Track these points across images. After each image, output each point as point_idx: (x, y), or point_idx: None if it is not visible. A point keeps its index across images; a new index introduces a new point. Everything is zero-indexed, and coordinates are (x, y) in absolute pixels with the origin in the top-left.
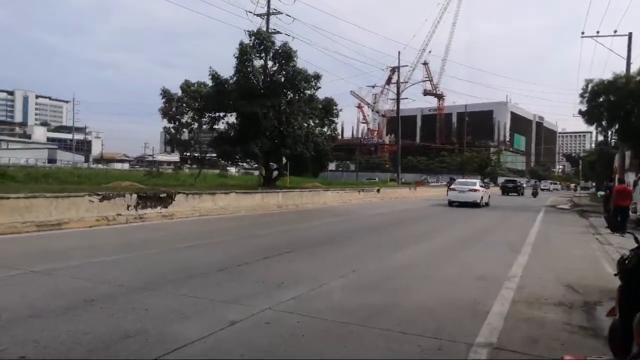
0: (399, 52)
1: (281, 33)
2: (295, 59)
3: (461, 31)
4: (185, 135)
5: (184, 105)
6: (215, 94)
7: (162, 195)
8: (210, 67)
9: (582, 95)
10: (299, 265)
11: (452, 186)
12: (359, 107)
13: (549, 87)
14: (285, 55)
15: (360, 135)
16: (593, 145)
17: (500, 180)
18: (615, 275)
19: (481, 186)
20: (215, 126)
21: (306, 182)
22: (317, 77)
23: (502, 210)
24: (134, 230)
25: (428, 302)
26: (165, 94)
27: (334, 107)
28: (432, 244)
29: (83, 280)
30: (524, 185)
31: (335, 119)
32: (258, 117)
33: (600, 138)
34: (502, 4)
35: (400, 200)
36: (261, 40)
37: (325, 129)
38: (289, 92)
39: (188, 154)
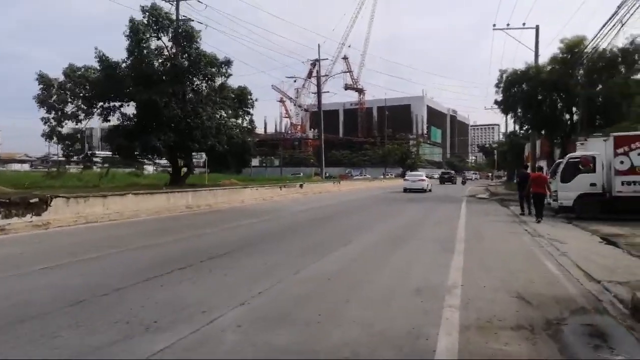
0: (319, 45)
1: (193, 20)
2: (198, 39)
3: (380, 27)
4: (73, 128)
5: (68, 92)
6: (104, 80)
7: (33, 201)
8: (97, 48)
9: (497, 86)
10: (189, 290)
11: (405, 177)
12: (281, 101)
13: (464, 82)
14: (187, 35)
15: (283, 130)
16: (502, 136)
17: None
18: None
19: (426, 177)
20: (110, 117)
21: (228, 179)
22: (228, 62)
23: (429, 201)
24: None
25: (353, 341)
26: (42, 79)
27: (249, 97)
28: (359, 244)
29: None
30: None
31: (251, 110)
32: (158, 106)
33: (511, 129)
34: (421, 2)
35: (325, 195)
36: (157, 18)
37: (240, 121)
38: (195, 79)
39: (73, 150)
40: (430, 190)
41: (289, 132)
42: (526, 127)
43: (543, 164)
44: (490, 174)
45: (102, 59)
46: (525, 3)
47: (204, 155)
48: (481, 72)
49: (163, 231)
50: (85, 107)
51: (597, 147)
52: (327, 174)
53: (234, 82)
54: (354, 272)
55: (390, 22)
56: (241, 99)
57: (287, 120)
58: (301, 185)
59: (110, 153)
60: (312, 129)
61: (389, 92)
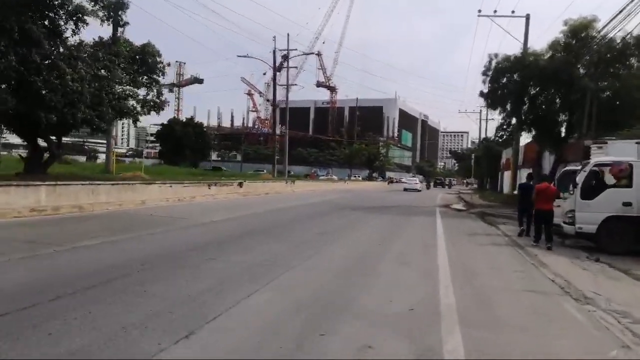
0: (288, 35)
1: None
2: None
3: (355, 27)
4: None
5: None
6: None
7: None
8: None
9: (485, 74)
10: None
11: (403, 180)
12: (249, 94)
13: (438, 87)
14: None
15: (251, 125)
16: (470, 144)
17: (389, 174)
18: None
19: (420, 181)
20: None
21: (181, 173)
22: (119, 2)
23: (394, 211)
24: None
25: None
26: None
27: (157, 60)
28: (293, 295)
29: None
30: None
31: (160, 78)
32: None
33: (490, 132)
34: (396, 7)
35: (271, 197)
36: None
37: (143, 91)
38: (55, 15)
39: None
40: (420, 191)
41: (256, 126)
42: (515, 124)
43: (524, 172)
44: (465, 181)
45: None
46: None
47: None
48: (456, 79)
49: None
50: None
51: (625, 152)
52: (291, 172)
53: (193, 67)
54: None
55: (366, 23)
56: (144, 61)
57: (255, 114)
58: (240, 184)
59: None
60: (280, 125)
61: (362, 93)
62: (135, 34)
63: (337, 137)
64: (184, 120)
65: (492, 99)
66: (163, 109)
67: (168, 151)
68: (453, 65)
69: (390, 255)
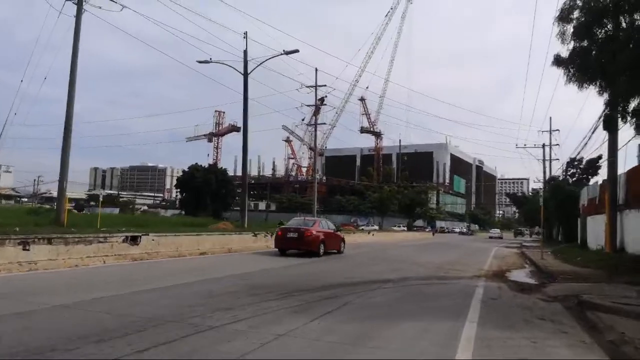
0: (316, 70)
1: None
2: None
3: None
4: None
5: None
6: None
7: None
8: None
9: (561, 19)
10: None
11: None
12: (288, 141)
13: (492, 133)
14: None
15: (289, 172)
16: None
17: (439, 224)
18: None
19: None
20: None
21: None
22: None
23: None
24: None
25: None
26: None
27: None
28: None
29: None
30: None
31: None
32: None
33: (554, 172)
34: (443, 55)
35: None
36: None
37: None
38: None
39: None
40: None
41: (293, 174)
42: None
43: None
44: (535, 230)
45: None
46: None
47: None
48: (509, 126)
49: None
50: None
51: None
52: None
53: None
54: None
55: (411, 71)
56: None
57: (292, 162)
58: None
59: None
60: (323, 174)
61: (410, 139)
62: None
63: (366, 182)
64: (206, 167)
65: (581, 61)
66: None
67: (188, 200)
68: (506, 113)
69: None
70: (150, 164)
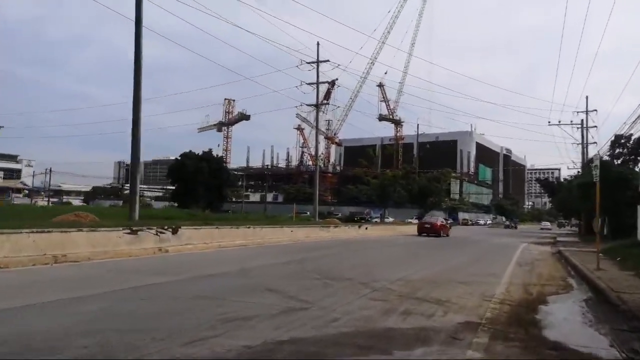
0: (318, 43)
1: None
2: None
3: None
4: None
5: None
6: None
7: None
8: None
9: None
10: None
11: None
12: (299, 128)
13: (521, 116)
14: None
15: (300, 162)
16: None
17: (463, 216)
18: None
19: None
20: None
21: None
22: None
23: None
24: None
25: None
26: None
27: None
28: None
29: None
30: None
31: None
32: None
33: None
34: (471, 43)
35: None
36: None
37: None
38: None
39: None
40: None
41: (304, 164)
42: None
43: None
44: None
45: None
46: None
47: None
48: (539, 118)
49: None
50: None
51: None
52: (338, 215)
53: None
54: None
55: (432, 53)
56: None
57: (303, 150)
58: None
59: None
60: (338, 164)
61: (433, 128)
62: None
63: (370, 170)
64: (200, 154)
65: None
66: None
67: (179, 191)
68: (535, 102)
69: None
70: (172, 158)
